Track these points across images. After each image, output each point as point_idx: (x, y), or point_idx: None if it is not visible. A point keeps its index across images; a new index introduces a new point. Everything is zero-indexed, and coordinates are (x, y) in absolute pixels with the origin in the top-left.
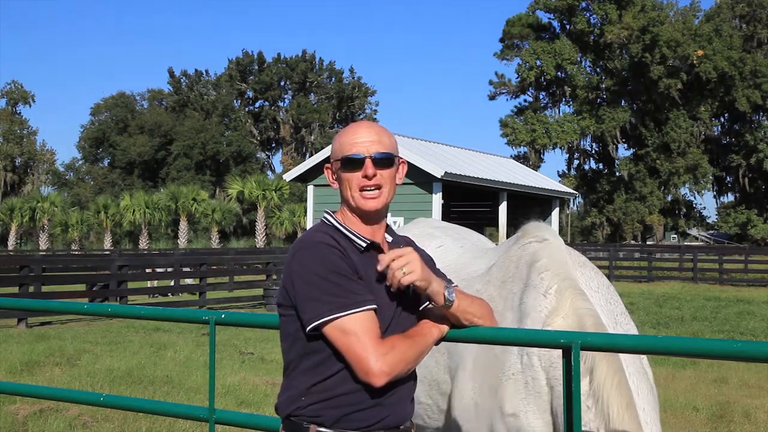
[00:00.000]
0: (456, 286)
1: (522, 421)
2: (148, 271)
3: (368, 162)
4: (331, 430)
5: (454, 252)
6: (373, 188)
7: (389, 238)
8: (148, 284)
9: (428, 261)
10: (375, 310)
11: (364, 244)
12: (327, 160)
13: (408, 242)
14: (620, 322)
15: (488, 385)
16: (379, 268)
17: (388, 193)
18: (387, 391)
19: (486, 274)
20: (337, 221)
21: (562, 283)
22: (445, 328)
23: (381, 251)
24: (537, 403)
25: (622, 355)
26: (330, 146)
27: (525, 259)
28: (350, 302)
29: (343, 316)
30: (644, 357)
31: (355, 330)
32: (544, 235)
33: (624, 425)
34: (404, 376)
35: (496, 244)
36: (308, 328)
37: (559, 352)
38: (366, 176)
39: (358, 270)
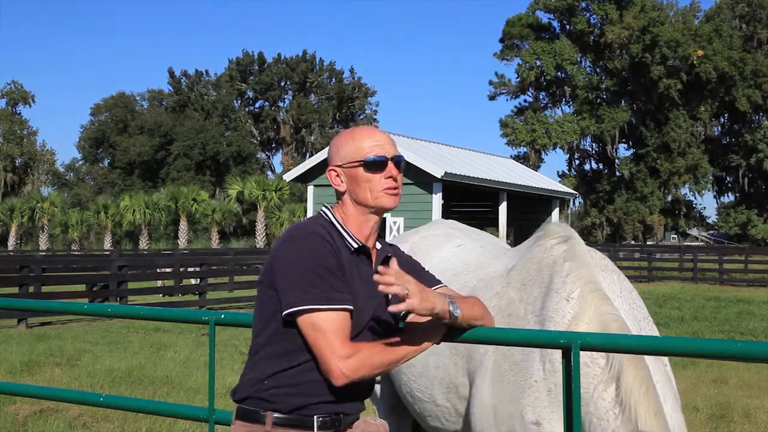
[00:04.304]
0: (444, 285)
1: (545, 429)
2: (158, 271)
3: (391, 164)
4: (288, 416)
5: (474, 251)
6: (395, 188)
7: (378, 246)
8: (158, 284)
9: (415, 264)
10: (351, 311)
11: (355, 245)
12: (327, 161)
13: (395, 250)
14: (644, 328)
15: (509, 391)
16: (380, 285)
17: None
18: (348, 386)
19: (506, 275)
20: (335, 218)
21: (585, 287)
22: (428, 342)
23: (370, 257)
24: (560, 410)
25: (649, 362)
26: (328, 151)
27: (546, 261)
28: (328, 297)
29: (318, 310)
30: (668, 364)
31: (324, 327)
32: (567, 236)
33: None
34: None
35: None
36: (284, 314)
37: (584, 358)
38: (391, 177)
39: (344, 269)
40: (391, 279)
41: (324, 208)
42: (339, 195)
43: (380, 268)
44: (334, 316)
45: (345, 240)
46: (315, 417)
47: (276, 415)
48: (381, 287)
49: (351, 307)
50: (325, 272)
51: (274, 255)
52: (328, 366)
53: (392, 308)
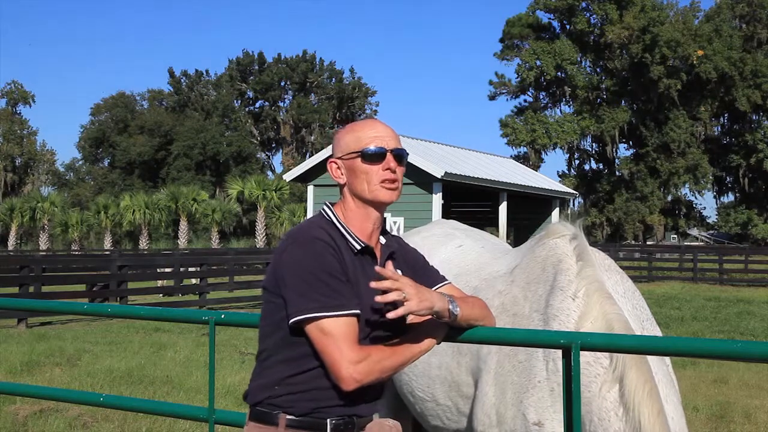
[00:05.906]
0: (450, 282)
1: (547, 429)
2: (158, 271)
3: (390, 156)
4: (301, 418)
5: (474, 252)
6: (393, 180)
7: (383, 240)
8: (158, 284)
9: (419, 258)
10: (358, 315)
11: (358, 247)
12: (327, 158)
13: (399, 242)
14: (647, 328)
15: (512, 391)
16: (377, 295)
17: (401, 188)
18: (360, 389)
19: (509, 274)
20: (336, 218)
21: (590, 285)
22: (432, 342)
23: (374, 256)
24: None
25: (651, 363)
26: (331, 144)
27: (551, 259)
28: (335, 304)
29: (326, 317)
30: (670, 364)
31: (333, 333)
32: (571, 235)
33: None
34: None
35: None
36: (291, 322)
37: (587, 357)
38: (389, 169)
39: (348, 272)
40: (388, 284)
41: (325, 207)
42: (340, 189)
43: (377, 272)
44: (341, 321)
45: (348, 241)
46: (328, 420)
47: (289, 417)
48: (378, 298)
49: (358, 311)
50: (329, 278)
51: (278, 262)
52: (338, 371)
53: (390, 315)
